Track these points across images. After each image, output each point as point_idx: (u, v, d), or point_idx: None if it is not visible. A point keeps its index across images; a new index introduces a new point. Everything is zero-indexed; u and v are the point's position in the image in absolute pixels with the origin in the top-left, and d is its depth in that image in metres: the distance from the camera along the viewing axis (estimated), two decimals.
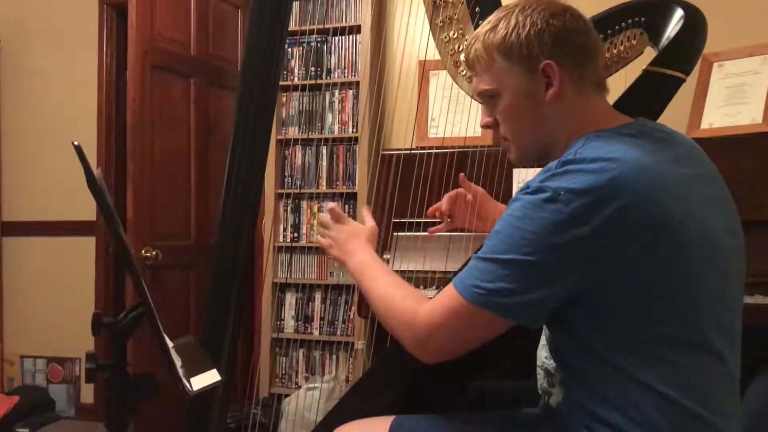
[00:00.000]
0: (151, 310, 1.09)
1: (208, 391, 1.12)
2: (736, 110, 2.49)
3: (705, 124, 2.53)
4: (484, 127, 1.23)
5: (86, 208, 3.65)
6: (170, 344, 1.12)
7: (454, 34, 1.54)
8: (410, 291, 1.19)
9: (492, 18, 1.17)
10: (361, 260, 1.31)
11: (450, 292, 1.07)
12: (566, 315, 1.06)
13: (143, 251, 2.85)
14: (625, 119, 1.14)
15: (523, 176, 2.53)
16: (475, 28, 1.48)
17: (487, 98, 1.19)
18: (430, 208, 1.61)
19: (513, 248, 1.01)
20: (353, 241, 1.35)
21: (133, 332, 1.11)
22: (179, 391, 1.07)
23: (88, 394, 3.75)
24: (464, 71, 1.53)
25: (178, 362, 1.09)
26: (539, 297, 1.01)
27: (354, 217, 3.01)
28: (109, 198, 1.07)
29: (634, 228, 0.98)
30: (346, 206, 3.14)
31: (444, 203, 1.60)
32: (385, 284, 1.23)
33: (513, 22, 1.12)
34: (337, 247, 1.37)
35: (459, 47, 1.53)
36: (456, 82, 1.55)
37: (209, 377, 1.11)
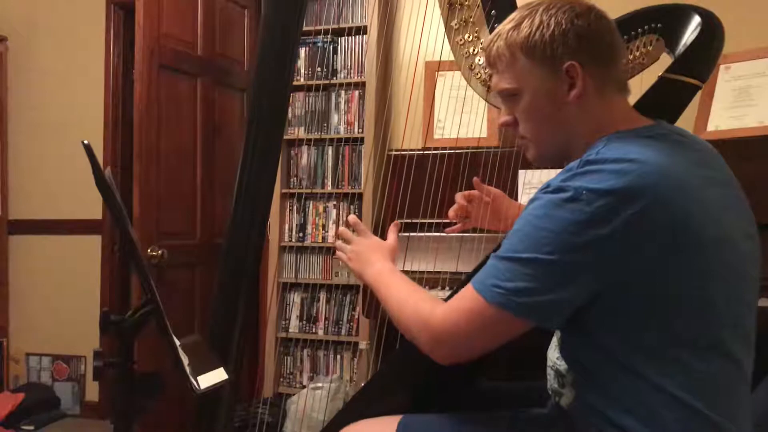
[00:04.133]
0: (160, 309, 1.09)
1: (216, 390, 1.12)
2: (743, 113, 2.48)
3: (711, 127, 2.52)
4: (503, 125, 1.22)
5: (92, 207, 3.67)
6: (177, 343, 1.13)
7: (469, 37, 1.54)
8: (427, 295, 1.19)
9: (515, 16, 1.15)
10: (378, 270, 1.30)
11: (469, 292, 1.06)
12: (581, 316, 1.05)
13: (149, 250, 2.85)
14: (647, 121, 1.14)
15: (528, 178, 2.53)
16: (491, 30, 1.48)
17: (507, 97, 1.18)
18: (452, 211, 1.59)
19: (533, 247, 1.00)
20: (372, 253, 1.35)
21: (140, 331, 1.12)
22: (185, 389, 1.07)
23: (93, 392, 3.76)
24: (479, 74, 1.53)
25: (185, 361, 1.10)
26: (559, 297, 1.00)
27: (360, 218, 3.02)
28: (119, 197, 1.07)
29: (653, 229, 0.97)
30: (352, 207, 3.14)
31: (460, 201, 1.59)
32: (400, 290, 1.22)
33: (537, 21, 1.11)
34: (356, 259, 1.36)
35: (474, 50, 1.53)
36: (470, 85, 1.55)
37: (217, 376, 1.12)
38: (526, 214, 1.04)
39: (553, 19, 1.10)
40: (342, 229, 1.42)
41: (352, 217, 1.42)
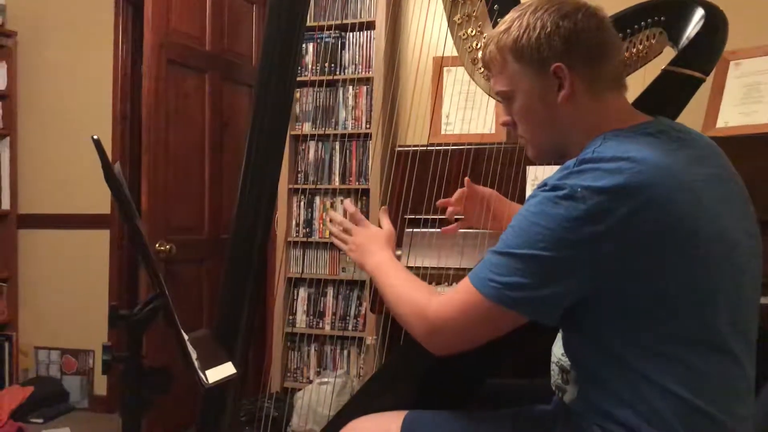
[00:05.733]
0: (168, 303, 1.09)
1: (222, 384, 1.12)
2: (753, 109, 2.47)
3: (721, 123, 2.51)
4: (504, 125, 1.24)
5: (101, 201, 3.68)
6: (186, 337, 1.13)
7: (472, 32, 1.54)
8: (424, 286, 1.21)
9: (507, 18, 1.17)
10: (378, 261, 1.33)
11: (465, 285, 1.08)
12: (581, 313, 1.06)
13: (158, 245, 2.87)
14: (644, 118, 1.14)
15: (536, 173, 2.53)
16: (494, 25, 1.48)
17: (503, 98, 1.20)
18: (440, 201, 1.61)
19: (528, 243, 1.01)
20: (372, 243, 1.37)
21: (148, 325, 1.12)
22: (192, 383, 1.08)
23: (101, 385, 3.78)
24: (482, 69, 1.52)
25: (193, 355, 1.10)
26: (553, 293, 1.02)
27: (367, 214, 3.02)
28: (127, 192, 1.07)
29: (649, 228, 0.97)
30: (359, 202, 3.14)
31: (454, 199, 1.60)
32: (399, 280, 1.24)
33: (524, 23, 1.12)
34: (358, 250, 1.39)
35: (477, 45, 1.53)
36: (473, 80, 1.55)
37: (224, 370, 1.12)
38: (522, 210, 1.05)
39: (539, 21, 1.11)
40: (339, 218, 1.44)
41: (350, 206, 1.44)
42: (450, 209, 1.58)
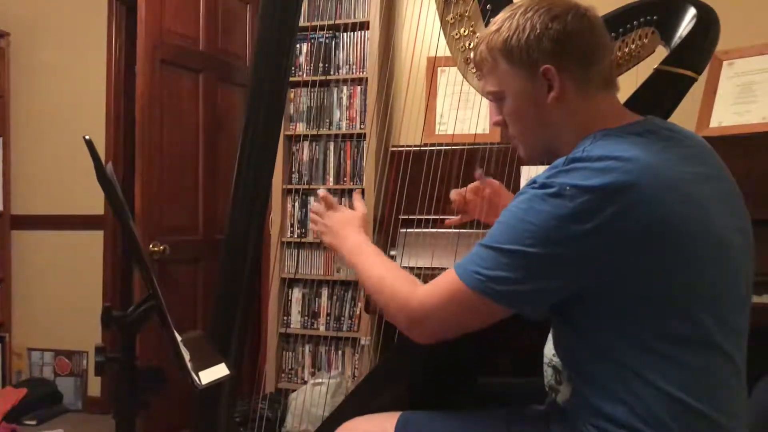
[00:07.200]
0: (161, 305, 1.09)
1: (216, 385, 1.12)
2: (746, 109, 2.48)
3: (714, 123, 2.52)
4: (495, 125, 1.24)
5: (94, 202, 3.67)
6: (179, 338, 1.13)
7: (465, 32, 1.54)
8: (405, 273, 1.22)
9: (498, 19, 1.17)
10: (354, 243, 1.33)
11: (450, 276, 1.09)
12: (572, 312, 1.07)
13: (151, 245, 2.86)
14: (635, 117, 1.14)
15: (530, 173, 2.53)
16: (486, 25, 1.49)
17: (494, 99, 1.20)
18: (456, 197, 1.59)
19: (515, 238, 1.02)
20: (346, 226, 1.38)
21: (142, 326, 1.12)
22: (186, 384, 1.07)
23: (95, 387, 3.77)
24: (474, 69, 1.53)
25: (186, 356, 1.10)
26: (537, 288, 1.03)
27: None
28: (120, 192, 1.07)
29: (636, 227, 0.98)
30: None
31: (468, 193, 1.59)
32: (379, 265, 1.25)
33: (515, 24, 1.12)
34: (331, 233, 1.39)
35: (470, 44, 1.53)
36: (466, 79, 1.56)
37: (218, 371, 1.12)
38: (511, 206, 1.06)
39: (528, 22, 1.11)
40: (314, 204, 1.45)
41: (323, 192, 1.44)
42: (453, 195, 1.58)
